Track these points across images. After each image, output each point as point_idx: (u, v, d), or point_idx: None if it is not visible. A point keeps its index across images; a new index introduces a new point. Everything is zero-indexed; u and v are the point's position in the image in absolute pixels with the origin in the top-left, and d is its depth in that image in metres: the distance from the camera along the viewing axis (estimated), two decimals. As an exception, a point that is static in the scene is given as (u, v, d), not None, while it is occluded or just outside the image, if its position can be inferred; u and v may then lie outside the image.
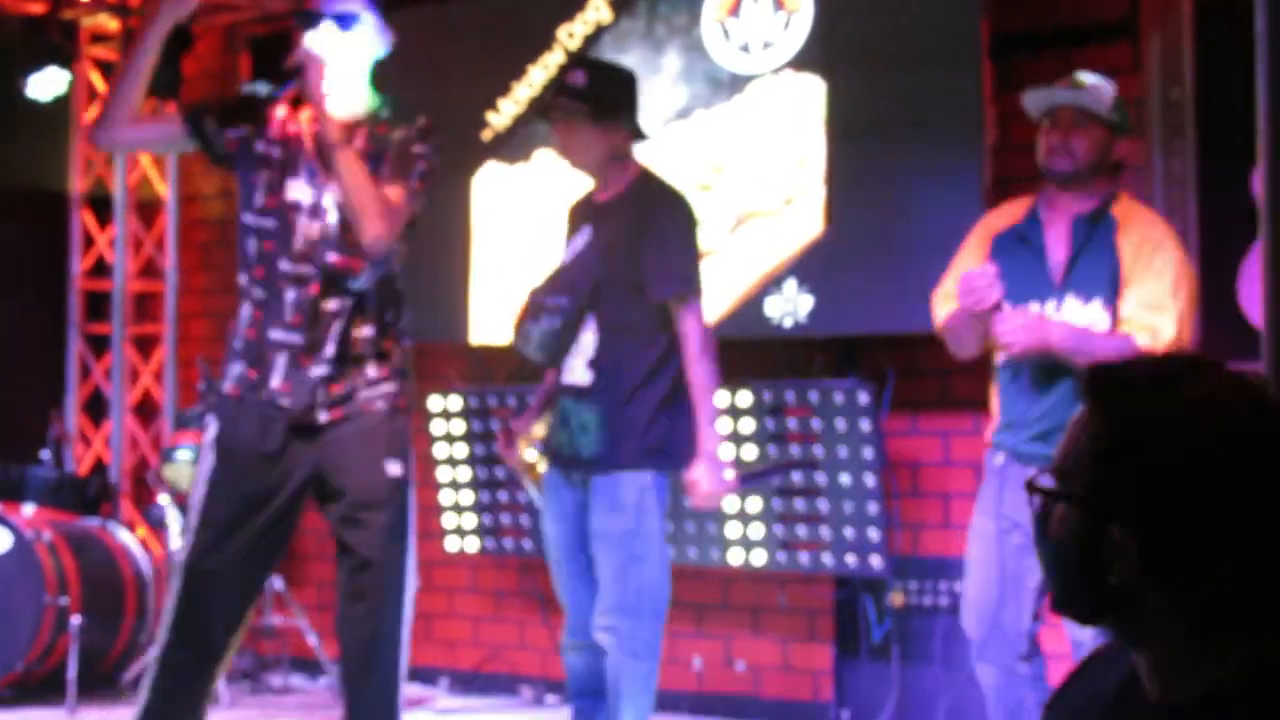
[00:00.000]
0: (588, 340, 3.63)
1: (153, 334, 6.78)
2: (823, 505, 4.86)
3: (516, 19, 5.56)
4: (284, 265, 3.30)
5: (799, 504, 4.90)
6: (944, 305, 3.60)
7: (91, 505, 5.97)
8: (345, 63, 3.32)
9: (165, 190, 6.77)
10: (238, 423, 3.32)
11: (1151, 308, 3.34)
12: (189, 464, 5.25)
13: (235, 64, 6.58)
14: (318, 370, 3.28)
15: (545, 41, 5.46)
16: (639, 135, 3.76)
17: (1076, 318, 3.38)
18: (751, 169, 5.07)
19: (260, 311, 3.31)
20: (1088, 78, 3.55)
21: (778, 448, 4.90)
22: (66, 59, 6.14)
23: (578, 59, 4.03)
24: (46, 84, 6.09)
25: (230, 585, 3.27)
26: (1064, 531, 1.38)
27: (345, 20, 3.32)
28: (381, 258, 3.28)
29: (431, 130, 3.37)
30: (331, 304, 3.29)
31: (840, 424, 4.81)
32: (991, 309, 3.38)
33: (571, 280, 3.69)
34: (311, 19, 3.33)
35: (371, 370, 3.32)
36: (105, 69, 6.69)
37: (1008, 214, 3.62)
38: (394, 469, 3.31)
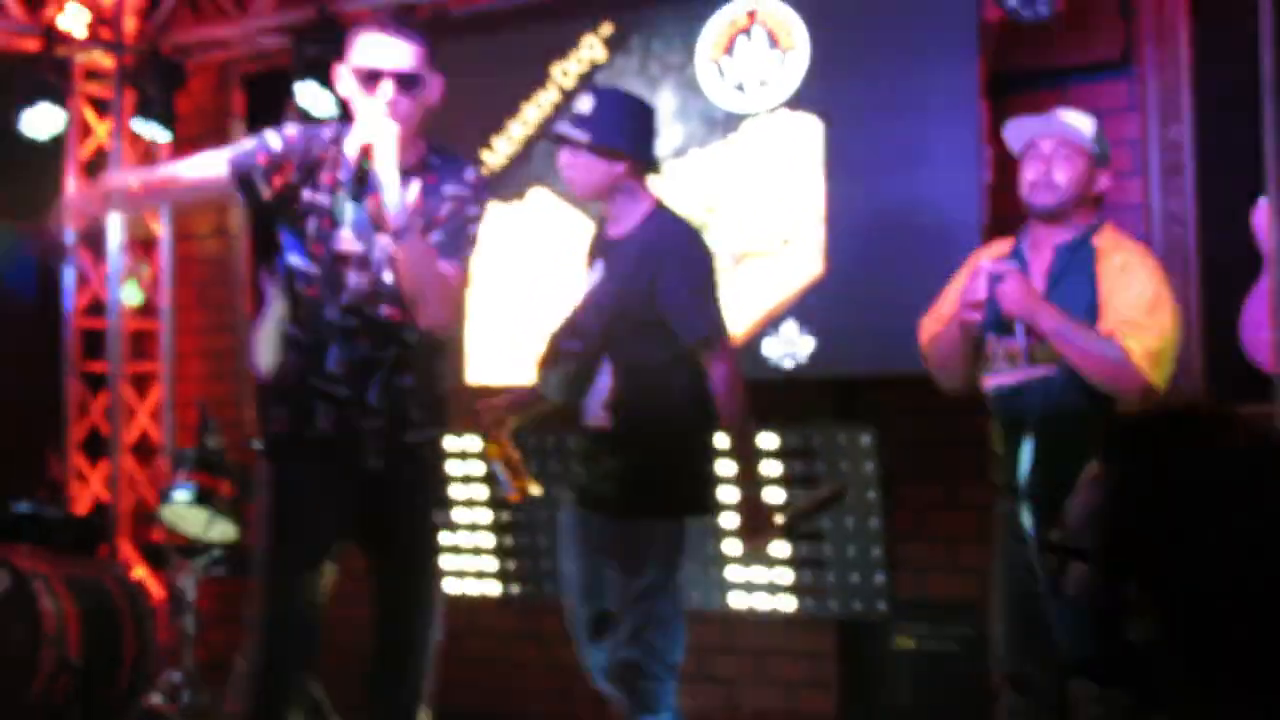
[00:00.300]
0: (604, 382, 3.59)
1: (150, 373, 6.80)
2: (827, 549, 4.85)
3: (511, 56, 5.57)
4: (330, 315, 3.21)
5: (803, 547, 4.91)
6: (931, 327, 3.62)
7: (90, 546, 5.97)
8: (406, 128, 3.15)
9: (160, 228, 6.80)
10: (292, 462, 3.28)
11: (1130, 322, 3.35)
12: (187, 505, 5.26)
13: (229, 102, 6.62)
14: (363, 419, 3.23)
15: (540, 79, 5.49)
16: (650, 167, 3.69)
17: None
18: (748, 209, 5.08)
19: (304, 360, 3.24)
20: (1067, 110, 3.59)
21: (785, 492, 4.88)
22: (61, 96, 6.18)
23: (590, 85, 3.97)
24: (41, 121, 6.12)
25: (306, 626, 3.26)
26: (1079, 589, 1.37)
27: (409, 82, 3.13)
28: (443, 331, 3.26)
29: (484, 186, 3.28)
30: (379, 355, 3.23)
31: (843, 467, 4.80)
32: (978, 319, 3.42)
33: (583, 322, 3.66)
34: (372, 78, 3.13)
35: (417, 418, 3.28)
36: (100, 106, 6.75)
37: (996, 250, 3.65)
38: (439, 518, 3.34)
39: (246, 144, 3.27)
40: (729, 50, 5.18)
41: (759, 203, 5.08)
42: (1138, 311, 3.34)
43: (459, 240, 3.19)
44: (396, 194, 3.05)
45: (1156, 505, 1.33)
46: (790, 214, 5.01)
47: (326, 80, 5.72)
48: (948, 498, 4.96)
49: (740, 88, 5.16)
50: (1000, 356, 3.47)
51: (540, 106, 5.49)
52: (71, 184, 6.69)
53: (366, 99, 3.12)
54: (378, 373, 3.22)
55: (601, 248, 3.73)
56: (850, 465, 4.80)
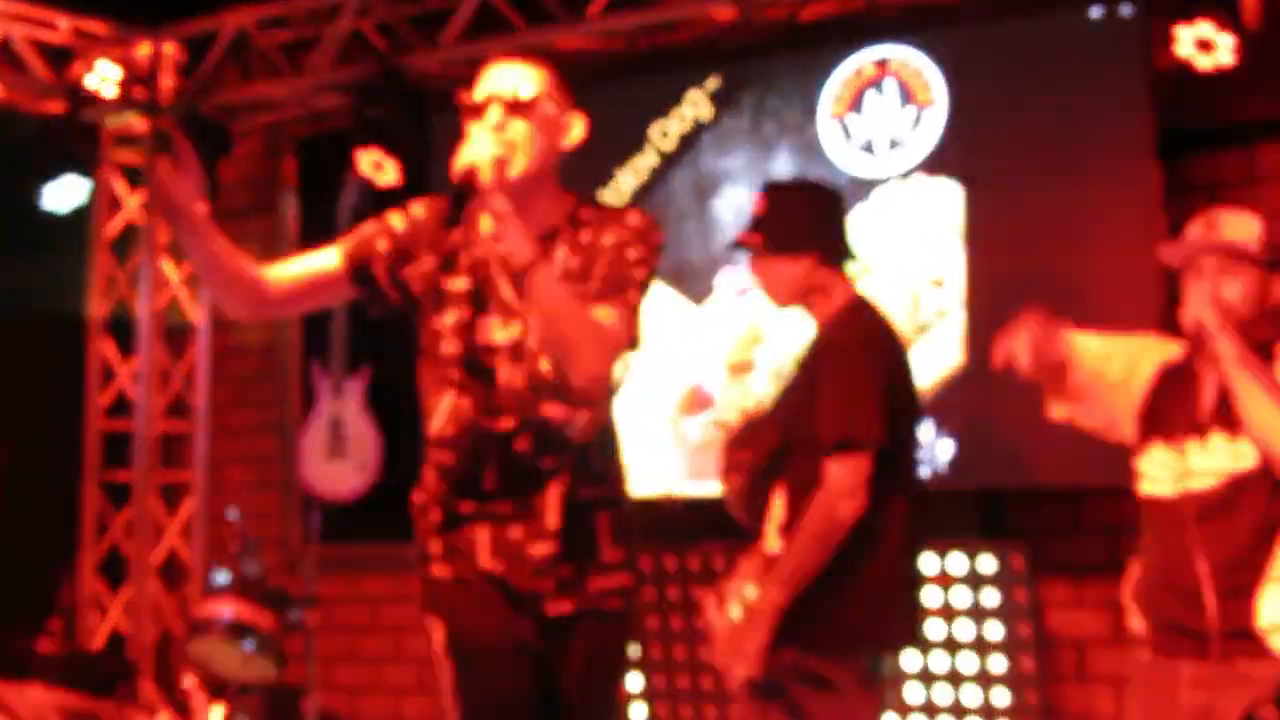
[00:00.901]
0: (778, 504, 3.70)
1: (181, 483, 6.93)
2: (971, 695, 4.88)
3: (603, 114, 5.68)
4: (484, 421, 3.13)
5: (941, 693, 4.92)
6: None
7: (107, 685, 6.08)
8: (525, 162, 3.09)
9: (197, 315, 6.98)
10: (463, 611, 3.16)
11: None
12: (222, 640, 5.35)
13: (278, 169, 6.85)
14: (536, 547, 3.11)
15: (636, 141, 5.67)
16: (841, 257, 3.84)
17: (1223, 453, 3.45)
18: (877, 289, 5.13)
19: (449, 480, 3.16)
20: (1229, 216, 3.65)
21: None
22: (87, 165, 6.41)
23: (768, 183, 4.11)
24: (64, 193, 6.35)
25: None
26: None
27: (524, 109, 3.11)
28: (601, 400, 3.14)
29: (652, 229, 3.18)
30: (546, 463, 3.12)
31: (989, 596, 4.85)
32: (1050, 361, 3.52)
33: (756, 434, 3.79)
34: (480, 107, 3.14)
35: (605, 549, 3.17)
36: (131, 176, 7.01)
37: (1162, 354, 3.70)
38: (622, 693, 3.35)
39: (365, 229, 3.23)
40: (856, 106, 5.34)
41: (890, 283, 5.17)
42: None
43: (618, 282, 3.10)
44: (515, 232, 2.96)
45: None
46: (926, 296, 5.10)
47: (393, 144, 5.90)
48: (1114, 630, 4.92)
49: (869, 149, 5.30)
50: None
51: (637, 172, 5.68)
52: (97, 264, 6.95)
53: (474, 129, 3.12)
54: (552, 486, 3.12)
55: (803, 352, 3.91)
56: (998, 593, 4.84)
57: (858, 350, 3.68)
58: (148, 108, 6.74)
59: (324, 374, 6.19)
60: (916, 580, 3.80)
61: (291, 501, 6.56)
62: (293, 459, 6.47)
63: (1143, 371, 3.66)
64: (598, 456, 3.17)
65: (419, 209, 3.21)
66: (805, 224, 3.82)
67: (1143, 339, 3.77)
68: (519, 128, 3.10)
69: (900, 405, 3.68)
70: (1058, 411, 3.70)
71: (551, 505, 3.09)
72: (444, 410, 3.15)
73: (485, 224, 3.11)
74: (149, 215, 6.93)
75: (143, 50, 6.71)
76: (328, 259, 3.19)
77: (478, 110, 3.12)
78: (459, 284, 3.16)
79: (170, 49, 6.78)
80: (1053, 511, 5.01)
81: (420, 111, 5.95)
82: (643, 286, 3.13)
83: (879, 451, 3.57)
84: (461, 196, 2.99)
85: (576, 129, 3.19)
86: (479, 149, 2.98)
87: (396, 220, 3.20)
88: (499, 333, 3.14)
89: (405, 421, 6.03)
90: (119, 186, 7.04)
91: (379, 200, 5.33)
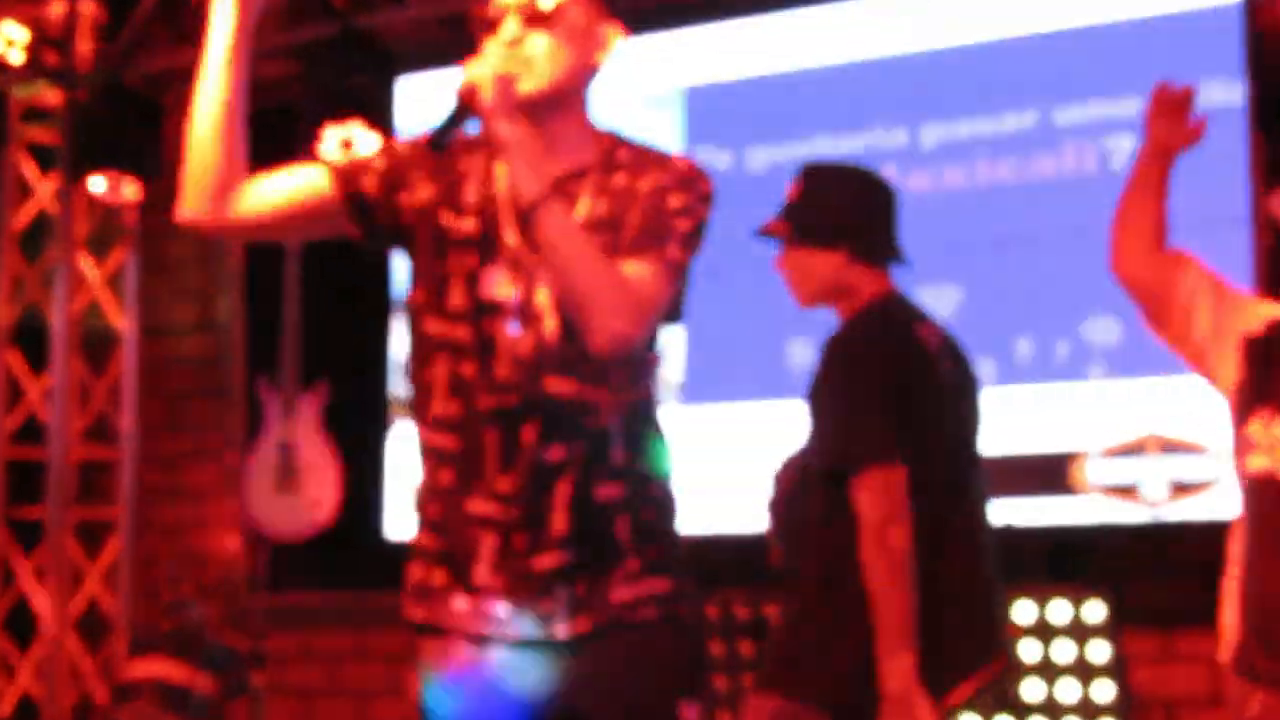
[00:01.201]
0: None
1: (103, 520, 6.85)
2: None
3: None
4: (484, 399, 3.04)
5: None
6: None
7: None
8: (544, 84, 3.00)
9: (123, 320, 6.89)
10: (447, 665, 3.12)
11: None
12: (153, 707, 5.35)
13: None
14: (544, 558, 3.02)
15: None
16: (879, 255, 3.86)
17: None
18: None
19: (450, 472, 3.07)
20: None
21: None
22: None
23: (806, 166, 4.05)
24: None
25: None
26: None
27: (544, 19, 3.03)
28: (626, 374, 3.05)
29: (699, 176, 3.06)
30: (556, 453, 3.02)
31: (1063, 649, 4.87)
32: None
33: (785, 467, 3.88)
34: (494, 21, 3.05)
35: (629, 555, 3.07)
36: (43, 157, 6.90)
37: (1263, 314, 3.63)
38: (689, 714, 3.08)
39: (361, 151, 3.23)
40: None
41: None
42: None
43: (654, 233, 3.00)
44: (522, 163, 2.89)
45: None
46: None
47: (366, 114, 5.93)
48: (1211, 689, 4.95)
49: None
50: None
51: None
52: (3, 262, 6.84)
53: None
54: (562, 481, 3.03)
55: None
56: (1074, 646, 4.86)
57: (855, 359, 3.73)
58: (61, 76, 6.64)
59: (273, 391, 6.24)
60: (957, 620, 3.77)
61: (235, 542, 6.52)
62: (236, 492, 6.43)
63: (1231, 333, 3.57)
64: (621, 448, 3.04)
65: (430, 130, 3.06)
66: (841, 213, 3.84)
67: (1233, 296, 3.65)
68: (539, 42, 3.00)
69: (922, 416, 3.70)
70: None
71: (559, 507, 3.00)
72: (441, 384, 3.05)
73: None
74: (63, 203, 6.83)
75: (55, 9, 6.61)
76: (315, 178, 3.08)
77: (492, 23, 3.01)
78: (465, 224, 3.05)
79: (88, 7, 6.68)
80: (1136, 551, 5.08)
81: (386, 80, 6.08)
82: (686, 241, 2.98)
83: (900, 460, 3.61)
84: (453, 121, 2.89)
85: (613, 42, 3.08)
86: (484, 65, 2.90)
87: (398, 143, 3.12)
88: (504, 288, 3.03)
89: (369, 447, 6.40)
90: (28, 170, 6.96)
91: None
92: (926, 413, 3.72)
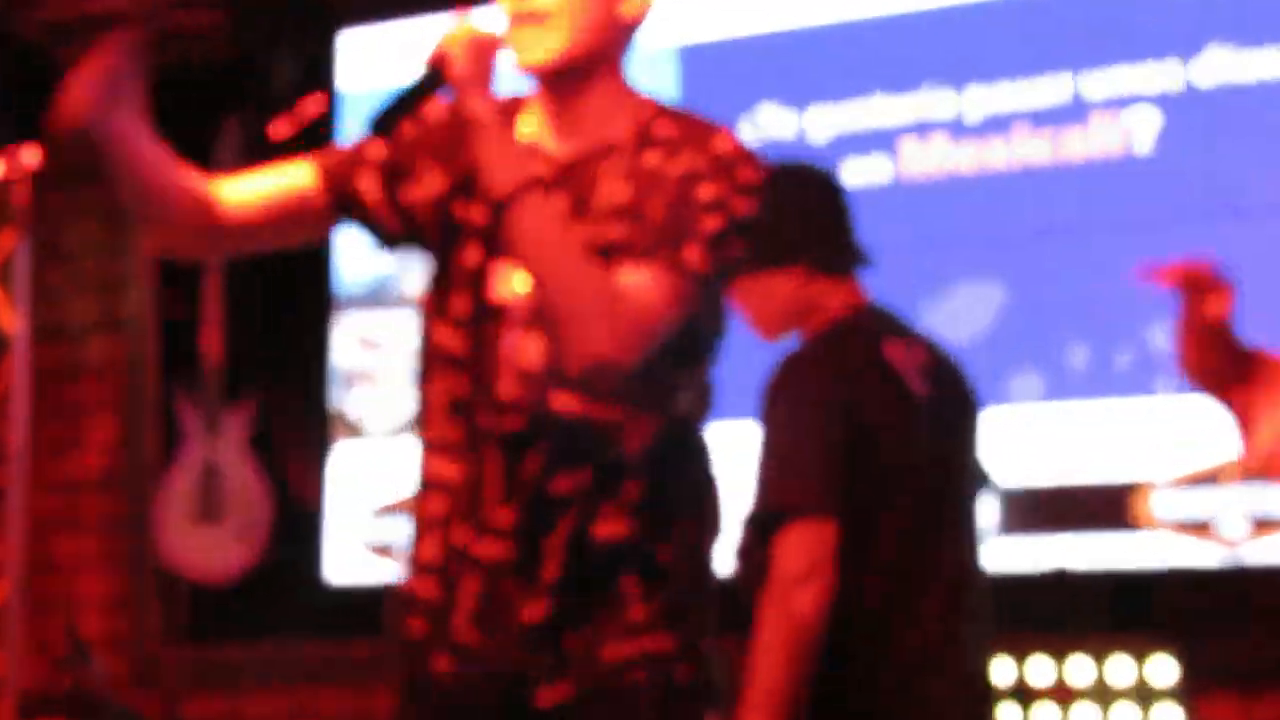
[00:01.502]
0: None
1: None
2: None
3: None
4: (484, 419, 3.03)
5: None
6: None
7: None
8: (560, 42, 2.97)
9: (13, 321, 6.71)
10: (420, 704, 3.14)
11: None
12: None
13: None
14: (531, 608, 3.00)
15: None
16: (842, 266, 3.88)
17: None
18: None
19: (444, 502, 3.05)
20: None
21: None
22: None
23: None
24: None
25: None
26: None
27: None
28: (653, 387, 3.00)
29: (743, 160, 3.00)
30: (563, 483, 3.00)
31: (1127, 716, 4.93)
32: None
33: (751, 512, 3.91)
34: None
35: (632, 604, 3.03)
36: None
37: None
38: None
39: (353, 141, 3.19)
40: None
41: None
42: None
43: (672, 231, 2.94)
44: (494, 147, 2.85)
45: None
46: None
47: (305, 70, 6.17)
48: None
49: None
50: None
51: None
52: None
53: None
54: (562, 519, 3.00)
55: None
56: (1139, 708, 4.94)
57: (799, 389, 3.77)
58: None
59: (193, 405, 6.31)
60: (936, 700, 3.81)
61: (145, 584, 6.52)
62: (148, 524, 6.46)
63: None
64: (639, 479, 3.01)
65: (434, 110, 3.11)
66: (788, 226, 3.86)
67: None
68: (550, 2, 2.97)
69: (882, 454, 3.73)
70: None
71: (553, 548, 2.99)
72: (439, 402, 3.06)
73: (526, 126, 3.02)
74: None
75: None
76: (298, 176, 3.07)
77: None
78: (474, 213, 3.02)
79: (-28, -57, 6.69)
80: (1208, 601, 5.21)
81: (322, 27, 6.10)
82: (712, 243, 2.92)
83: (839, 517, 3.66)
84: (415, 93, 2.86)
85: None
86: (462, 25, 2.87)
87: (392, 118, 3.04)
88: (511, 287, 3.01)
89: (306, 471, 6.29)
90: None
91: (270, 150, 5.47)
92: (888, 448, 3.75)
